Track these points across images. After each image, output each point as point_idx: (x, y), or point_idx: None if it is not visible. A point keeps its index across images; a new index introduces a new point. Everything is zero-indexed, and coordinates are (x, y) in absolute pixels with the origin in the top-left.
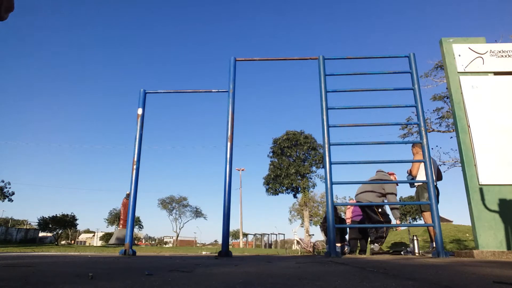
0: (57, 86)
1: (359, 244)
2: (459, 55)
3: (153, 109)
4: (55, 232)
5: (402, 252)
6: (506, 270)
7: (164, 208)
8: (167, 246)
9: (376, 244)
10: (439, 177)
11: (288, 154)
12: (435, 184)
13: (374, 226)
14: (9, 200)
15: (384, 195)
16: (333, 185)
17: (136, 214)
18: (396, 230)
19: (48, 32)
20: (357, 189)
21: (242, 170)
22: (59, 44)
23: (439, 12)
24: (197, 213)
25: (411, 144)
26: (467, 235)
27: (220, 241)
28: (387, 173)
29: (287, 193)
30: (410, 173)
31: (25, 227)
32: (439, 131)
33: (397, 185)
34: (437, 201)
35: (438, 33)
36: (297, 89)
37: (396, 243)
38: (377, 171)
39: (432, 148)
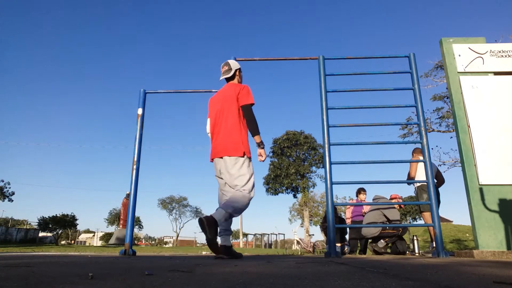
0: (57, 86)
1: (359, 244)
2: (459, 55)
3: (153, 109)
4: (55, 232)
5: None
6: (506, 270)
7: (164, 208)
8: (167, 246)
9: (382, 241)
10: (439, 180)
11: (288, 154)
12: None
13: (374, 226)
14: (9, 200)
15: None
16: (333, 185)
17: (136, 214)
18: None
19: (48, 31)
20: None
21: None
22: (59, 43)
23: (439, 12)
24: (197, 213)
25: (413, 150)
26: (467, 235)
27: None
28: (391, 196)
29: (287, 193)
30: (408, 177)
31: (25, 227)
32: (439, 131)
33: (401, 207)
34: (438, 203)
35: (438, 33)
36: (297, 88)
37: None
38: (374, 199)
39: (432, 148)
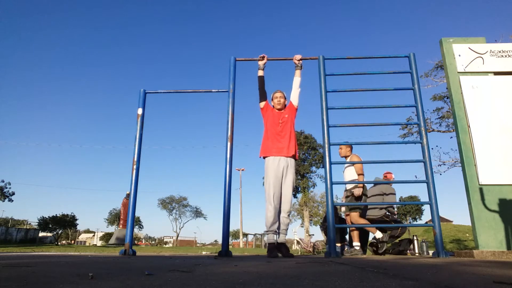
0: (57, 86)
1: None
2: (459, 55)
3: (153, 109)
4: (55, 232)
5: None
6: (506, 270)
7: (164, 208)
8: (167, 246)
9: (379, 232)
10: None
11: None
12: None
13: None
14: (9, 200)
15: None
16: (333, 185)
17: (136, 214)
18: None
19: (48, 31)
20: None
21: (242, 170)
22: (59, 43)
23: (439, 12)
24: (197, 213)
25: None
26: (467, 235)
27: (220, 241)
28: (383, 174)
29: None
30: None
31: (25, 227)
32: (439, 131)
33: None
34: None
35: (438, 33)
36: None
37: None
38: (374, 185)
39: (432, 148)
